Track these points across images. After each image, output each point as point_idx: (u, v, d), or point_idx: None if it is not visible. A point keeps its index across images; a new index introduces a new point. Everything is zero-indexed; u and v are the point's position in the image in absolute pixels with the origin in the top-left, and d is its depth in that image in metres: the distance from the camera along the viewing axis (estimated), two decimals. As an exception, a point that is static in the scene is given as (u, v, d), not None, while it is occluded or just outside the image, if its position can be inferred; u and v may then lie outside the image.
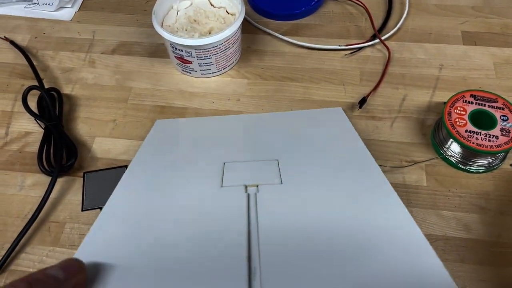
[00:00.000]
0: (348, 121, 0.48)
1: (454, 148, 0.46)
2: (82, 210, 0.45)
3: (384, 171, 0.45)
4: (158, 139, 0.48)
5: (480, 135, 0.44)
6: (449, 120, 0.45)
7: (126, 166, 0.47)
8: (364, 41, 0.57)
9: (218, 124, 0.50)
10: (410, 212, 0.43)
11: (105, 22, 0.62)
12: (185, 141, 0.47)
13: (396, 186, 0.45)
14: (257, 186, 0.36)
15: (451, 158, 0.46)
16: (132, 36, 0.60)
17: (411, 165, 0.46)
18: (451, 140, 0.46)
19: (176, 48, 0.51)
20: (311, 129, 0.47)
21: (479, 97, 0.46)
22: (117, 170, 0.47)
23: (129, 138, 0.50)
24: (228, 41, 0.51)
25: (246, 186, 0.36)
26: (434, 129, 0.49)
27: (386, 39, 0.57)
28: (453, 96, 0.47)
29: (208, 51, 0.51)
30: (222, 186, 0.37)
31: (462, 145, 0.44)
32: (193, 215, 0.34)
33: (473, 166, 0.46)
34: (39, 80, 0.54)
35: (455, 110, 0.46)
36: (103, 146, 0.50)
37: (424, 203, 0.44)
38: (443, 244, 0.42)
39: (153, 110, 0.53)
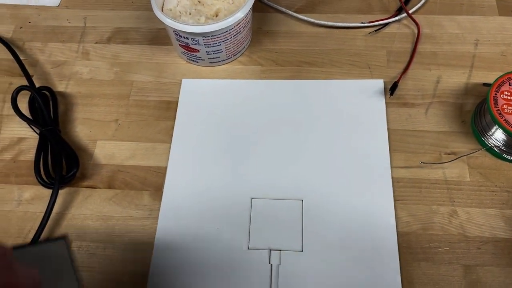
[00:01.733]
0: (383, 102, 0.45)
1: (498, 136, 0.41)
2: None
3: (422, 166, 0.41)
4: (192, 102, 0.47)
5: (532, 123, 0.39)
6: (495, 107, 0.40)
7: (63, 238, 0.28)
8: (389, 16, 0.51)
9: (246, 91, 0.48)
10: (454, 212, 0.38)
11: (96, 6, 0.55)
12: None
13: (436, 183, 0.41)
14: (280, 251, 0.39)
15: (495, 148, 0.41)
16: (128, 21, 0.54)
17: (453, 160, 0.41)
18: (495, 127, 0.41)
19: (180, 36, 0.45)
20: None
21: (527, 78, 0.41)
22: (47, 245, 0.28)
23: (135, 140, 0.45)
24: (239, 25, 0.45)
25: (270, 250, 0.39)
26: (475, 115, 0.44)
27: (414, 12, 0.51)
28: (498, 78, 0.41)
29: (217, 37, 0.45)
30: (249, 249, 0.39)
31: (511, 135, 0.39)
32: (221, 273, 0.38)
33: (521, 157, 0.41)
34: (28, 77, 0.48)
35: (502, 95, 0.40)
36: (107, 151, 0.45)
37: (469, 201, 0.40)
38: (493, 247, 0.38)
39: (158, 107, 0.47)
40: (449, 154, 0.42)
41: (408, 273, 0.37)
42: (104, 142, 0.45)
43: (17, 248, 0.26)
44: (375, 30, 0.50)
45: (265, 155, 0.43)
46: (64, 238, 0.27)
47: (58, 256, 0.26)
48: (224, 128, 0.45)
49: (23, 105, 0.46)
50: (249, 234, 0.39)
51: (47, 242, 0.27)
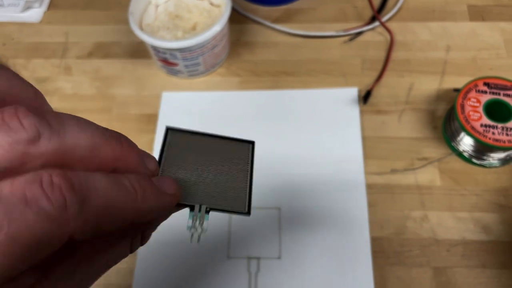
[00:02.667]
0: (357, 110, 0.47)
1: (466, 142, 0.42)
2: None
3: (395, 174, 0.42)
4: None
5: (497, 128, 0.40)
6: (462, 114, 0.41)
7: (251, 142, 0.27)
8: (363, 24, 0.52)
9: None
10: (425, 216, 0.40)
11: (77, 21, 0.56)
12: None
13: (408, 188, 0.42)
14: (258, 259, 0.40)
15: (464, 153, 0.43)
16: (109, 36, 0.55)
17: (423, 166, 0.43)
18: (463, 133, 0.42)
19: (158, 51, 0.46)
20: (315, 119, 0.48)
21: (493, 85, 0.43)
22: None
23: (117, 154, 0.46)
24: (216, 38, 0.46)
25: (249, 258, 0.40)
26: (445, 121, 0.45)
27: (387, 20, 0.52)
28: (465, 86, 0.43)
29: (195, 52, 0.46)
30: (228, 258, 0.40)
31: (478, 141, 0.40)
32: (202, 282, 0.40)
33: (488, 161, 0.42)
34: (12, 94, 0.49)
35: (469, 102, 0.42)
36: (90, 165, 0.46)
37: (439, 205, 0.42)
38: (462, 249, 0.39)
39: (140, 120, 0.48)
40: (421, 159, 0.44)
41: (381, 277, 0.39)
42: (88, 157, 0.47)
43: (205, 135, 0.24)
44: (350, 39, 0.52)
45: None
46: (253, 142, 0.26)
47: (238, 161, 0.24)
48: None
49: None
50: (229, 243, 0.41)
51: (233, 140, 0.25)
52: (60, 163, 0.15)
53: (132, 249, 0.20)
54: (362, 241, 0.40)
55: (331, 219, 0.41)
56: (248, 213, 0.22)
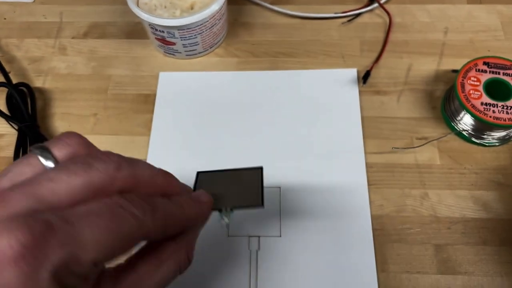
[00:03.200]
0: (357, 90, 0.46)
1: (466, 121, 0.43)
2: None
3: (395, 153, 0.42)
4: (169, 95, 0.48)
5: (497, 107, 0.40)
6: (462, 92, 0.41)
7: (260, 168, 0.32)
8: (362, 6, 0.52)
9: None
10: (426, 194, 0.40)
11: (72, 1, 0.55)
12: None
13: (408, 167, 0.42)
14: (259, 237, 0.40)
15: (463, 132, 0.43)
16: (104, 16, 0.54)
17: (423, 144, 0.43)
18: (463, 112, 0.42)
19: (156, 29, 0.46)
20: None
21: (492, 64, 0.43)
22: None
23: (114, 134, 0.46)
24: (214, 17, 0.46)
25: (249, 237, 0.40)
26: (444, 101, 0.45)
27: (385, 2, 0.52)
28: (465, 65, 0.43)
29: (193, 30, 0.45)
30: (229, 236, 0.40)
31: (479, 119, 0.40)
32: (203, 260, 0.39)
33: (487, 140, 0.43)
34: (5, 74, 0.48)
35: (469, 81, 0.42)
36: (86, 145, 0.45)
37: (439, 183, 0.42)
38: (462, 227, 0.39)
39: (137, 100, 0.48)
40: (420, 139, 0.44)
41: (382, 254, 0.39)
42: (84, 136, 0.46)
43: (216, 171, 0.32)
44: (348, 20, 0.51)
45: (243, 145, 0.44)
46: (260, 168, 0.32)
47: (250, 178, 0.31)
48: (202, 119, 0.46)
49: (1, 101, 0.46)
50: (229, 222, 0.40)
51: (245, 169, 0.32)
52: (132, 186, 0.22)
53: (181, 268, 0.25)
54: (363, 219, 0.40)
55: (331, 198, 0.41)
56: (262, 205, 0.29)
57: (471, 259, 0.38)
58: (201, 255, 0.39)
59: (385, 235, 0.39)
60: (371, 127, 0.45)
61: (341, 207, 0.41)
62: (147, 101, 0.47)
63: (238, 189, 0.30)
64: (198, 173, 0.32)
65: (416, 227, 0.40)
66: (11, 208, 0.18)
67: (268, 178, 0.42)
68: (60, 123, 0.47)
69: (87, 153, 0.22)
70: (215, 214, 0.29)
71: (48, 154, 0.22)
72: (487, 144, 0.43)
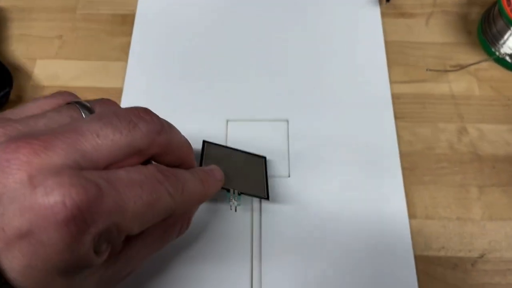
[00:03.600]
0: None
1: (511, 43, 0.35)
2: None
3: (425, 80, 0.35)
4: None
5: (552, 22, 0.33)
6: (509, 6, 0.34)
7: (263, 158, 0.32)
8: None
9: None
10: (464, 129, 0.33)
11: None
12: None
13: (442, 98, 0.35)
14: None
15: (506, 57, 0.36)
16: None
17: (460, 69, 0.36)
18: (509, 32, 0.35)
19: None
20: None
21: (543, -24, 0.36)
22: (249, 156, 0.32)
23: (83, 59, 0.37)
24: None
25: None
26: (482, 23, 0.38)
27: None
28: (511, -25, 0.36)
29: None
30: None
31: (530, 36, 0.33)
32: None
33: (536, 66, 0.36)
34: (-51, -12, 0.39)
35: (516, -7, 0.35)
36: (49, 71, 0.37)
37: (480, 117, 0.34)
38: (509, 165, 0.32)
39: (112, 21, 0.39)
40: (454, 66, 0.37)
41: (413, 197, 0.31)
42: (46, 61, 0.37)
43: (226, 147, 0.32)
44: None
45: (242, 70, 0.36)
46: (264, 158, 0.32)
47: (256, 168, 0.31)
48: (192, 42, 0.38)
49: None
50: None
51: (250, 154, 0.32)
52: (164, 152, 0.21)
53: (181, 232, 0.25)
54: (389, 155, 0.33)
55: (349, 132, 0.34)
56: (267, 198, 0.30)
57: (521, 204, 0.31)
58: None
59: (416, 175, 0.32)
60: (396, 52, 0.37)
61: (362, 142, 0.33)
62: (125, 22, 0.39)
63: (245, 175, 0.30)
64: (205, 142, 0.31)
65: (454, 166, 0.33)
66: (56, 158, 0.17)
67: (274, 110, 0.35)
68: (17, 46, 0.38)
69: (128, 109, 0.21)
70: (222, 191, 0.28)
71: (88, 112, 0.21)
72: (534, 72, 0.36)
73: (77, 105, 0.21)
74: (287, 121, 0.34)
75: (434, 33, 0.38)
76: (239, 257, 0.29)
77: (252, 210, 0.31)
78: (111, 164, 0.19)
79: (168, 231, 0.23)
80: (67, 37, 0.38)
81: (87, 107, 0.21)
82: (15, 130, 0.18)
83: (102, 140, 0.18)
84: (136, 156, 0.20)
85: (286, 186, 0.32)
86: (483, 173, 0.32)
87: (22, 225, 0.16)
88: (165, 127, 0.21)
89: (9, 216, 0.16)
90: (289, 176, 0.32)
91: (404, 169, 0.32)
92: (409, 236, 0.30)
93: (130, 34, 0.38)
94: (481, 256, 0.30)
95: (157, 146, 0.21)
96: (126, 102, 0.35)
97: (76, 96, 0.22)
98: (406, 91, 0.36)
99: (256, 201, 0.31)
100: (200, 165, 0.29)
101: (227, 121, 0.34)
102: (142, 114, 0.20)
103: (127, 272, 0.22)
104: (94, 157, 0.18)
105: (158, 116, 0.21)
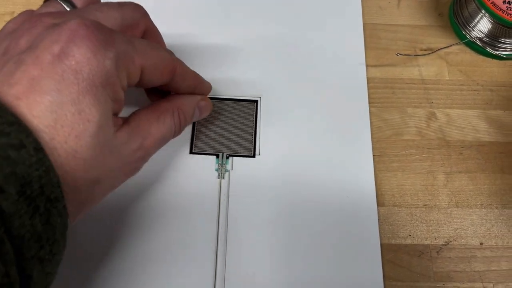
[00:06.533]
0: None
1: (482, 27, 0.35)
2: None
3: (395, 64, 0.34)
4: None
5: (522, 6, 0.33)
6: (481, -12, 0.34)
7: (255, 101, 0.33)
8: None
9: None
10: (433, 114, 0.32)
11: None
12: None
13: (411, 83, 0.35)
14: (230, 156, 0.32)
15: (477, 41, 0.35)
16: None
17: (430, 53, 0.35)
18: (480, 15, 0.35)
19: None
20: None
21: (515, -43, 0.35)
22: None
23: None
24: None
25: (219, 154, 0.32)
26: (454, 6, 0.37)
27: None
28: (483, -44, 0.35)
29: None
30: (192, 153, 0.32)
31: (499, 20, 0.33)
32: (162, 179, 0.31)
33: (505, 51, 0.35)
34: None
35: (488, -25, 0.34)
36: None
37: (449, 102, 0.34)
38: (476, 152, 0.32)
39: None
40: (425, 50, 0.36)
41: (382, 184, 0.31)
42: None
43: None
44: None
45: (213, 47, 0.35)
46: (256, 101, 0.33)
47: (248, 110, 0.33)
48: (165, 19, 0.36)
49: None
50: (194, 137, 0.32)
51: (242, 100, 0.33)
52: (149, 33, 0.27)
53: (176, 127, 0.26)
54: (361, 143, 0.32)
55: (326, 115, 0.33)
56: (253, 156, 0.31)
57: (487, 189, 0.31)
58: (159, 173, 0.31)
59: (385, 163, 0.32)
60: (368, 35, 0.36)
61: (336, 127, 0.32)
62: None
63: (234, 129, 0.32)
64: None
65: (422, 152, 0.32)
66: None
67: (245, 88, 0.34)
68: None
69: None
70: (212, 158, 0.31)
71: (69, 4, 0.24)
72: (504, 56, 0.35)
73: (58, 0, 0.24)
74: (260, 98, 0.33)
75: (406, 15, 0.37)
76: (206, 225, 0.29)
77: (221, 178, 0.30)
78: None
79: (163, 117, 0.25)
80: None
81: (70, 1, 0.24)
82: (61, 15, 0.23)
83: (102, 13, 0.23)
84: (130, 29, 0.24)
85: (255, 163, 0.31)
86: (451, 160, 0.32)
87: (54, 49, 0.19)
88: (145, 12, 0.26)
89: (44, 46, 0.19)
90: (259, 154, 0.31)
91: (373, 156, 0.32)
92: (377, 224, 0.29)
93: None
94: (447, 243, 0.30)
95: (147, 21, 0.26)
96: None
97: None
98: (377, 75, 0.35)
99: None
100: (193, 127, 0.32)
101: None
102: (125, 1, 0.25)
103: (136, 147, 0.23)
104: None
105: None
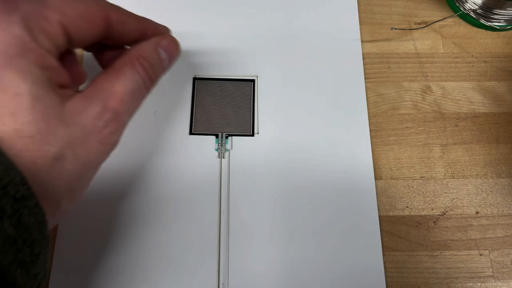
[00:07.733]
0: None
1: (475, -1, 0.35)
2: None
3: (390, 39, 0.34)
4: None
5: (516, -24, 0.33)
6: (474, -41, 0.33)
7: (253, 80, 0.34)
8: None
9: None
10: (428, 87, 0.33)
11: None
12: None
13: (406, 57, 0.35)
14: (229, 136, 0.32)
15: (471, 13, 0.35)
16: None
17: (424, 27, 0.35)
18: (473, -12, 0.35)
19: None
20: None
21: None
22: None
23: None
24: None
25: (218, 135, 0.32)
26: (447, -22, 0.37)
27: None
28: None
29: None
30: (191, 134, 0.32)
31: (494, -9, 0.33)
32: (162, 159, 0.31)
33: (499, 22, 0.35)
34: None
35: None
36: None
37: (444, 75, 0.34)
38: (471, 123, 0.33)
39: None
40: (419, 23, 0.36)
41: (379, 158, 0.32)
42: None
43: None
44: None
45: (210, 27, 0.35)
46: (253, 81, 0.33)
47: (245, 90, 0.33)
48: (160, 1, 0.36)
49: None
50: (193, 118, 0.32)
51: (240, 80, 0.33)
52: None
53: (145, 77, 0.23)
54: (358, 118, 0.32)
55: (323, 92, 0.33)
56: (252, 135, 0.32)
57: (482, 160, 0.32)
58: (158, 153, 0.31)
59: (382, 137, 0.32)
60: (362, 11, 0.36)
61: (333, 103, 0.33)
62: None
63: (233, 109, 0.32)
64: (195, 79, 0.33)
65: (418, 125, 0.33)
66: None
67: (243, 68, 0.34)
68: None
69: None
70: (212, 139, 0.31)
71: None
72: (498, 28, 0.35)
73: None
74: (256, 77, 0.33)
75: (400, -11, 0.37)
76: (208, 203, 0.30)
77: (221, 158, 0.31)
78: None
79: (123, 71, 0.22)
80: None
81: None
82: None
83: None
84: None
85: (255, 142, 0.31)
86: (446, 132, 0.33)
87: None
88: None
89: None
90: (257, 133, 0.32)
91: (370, 130, 0.32)
92: (375, 197, 0.30)
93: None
94: (443, 213, 0.30)
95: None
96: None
97: None
98: (372, 51, 0.35)
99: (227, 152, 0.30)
100: (192, 102, 0.32)
101: (194, 78, 0.33)
102: None
103: (98, 111, 0.21)
104: None
105: None
